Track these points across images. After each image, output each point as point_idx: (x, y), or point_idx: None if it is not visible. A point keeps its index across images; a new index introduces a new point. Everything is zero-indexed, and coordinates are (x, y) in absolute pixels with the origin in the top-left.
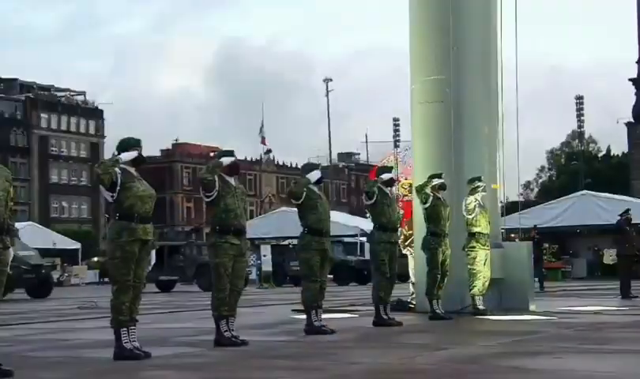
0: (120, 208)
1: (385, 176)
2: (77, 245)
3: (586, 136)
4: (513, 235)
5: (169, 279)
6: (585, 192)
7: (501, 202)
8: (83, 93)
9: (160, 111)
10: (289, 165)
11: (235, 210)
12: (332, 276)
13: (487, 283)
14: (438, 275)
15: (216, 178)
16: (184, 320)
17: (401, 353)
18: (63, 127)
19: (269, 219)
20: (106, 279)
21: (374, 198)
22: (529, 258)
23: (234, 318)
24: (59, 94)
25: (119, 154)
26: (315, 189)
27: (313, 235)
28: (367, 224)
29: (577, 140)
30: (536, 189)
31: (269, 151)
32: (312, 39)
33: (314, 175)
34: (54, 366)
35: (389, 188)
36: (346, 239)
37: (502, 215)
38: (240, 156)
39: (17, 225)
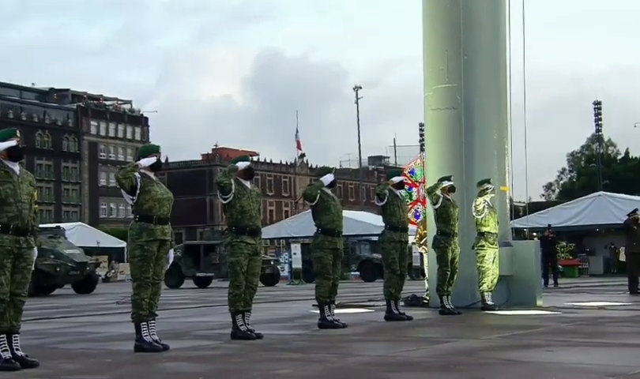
0: (140, 210)
1: (396, 179)
2: (123, 244)
3: (605, 139)
4: (534, 234)
5: (205, 275)
6: (601, 193)
7: (523, 203)
8: (129, 102)
9: (201, 118)
10: None
11: (249, 211)
12: (358, 273)
13: (495, 280)
14: (448, 273)
15: (233, 182)
16: (208, 314)
17: (405, 346)
18: (111, 134)
19: (301, 219)
20: None
21: (385, 200)
22: (536, 256)
23: (249, 313)
24: (108, 103)
25: (140, 160)
26: (328, 191)
27: (326, 235)
28: None
29: (596, 144)
30: (557, 190)
31: (303, 155)
32: (345, 49)
33: (327, 178)
34: (77, 357)
35: (399, 190)
36: (373, 238)
37: (510, 219)
38: (276, 160)
39: (67, 225)
